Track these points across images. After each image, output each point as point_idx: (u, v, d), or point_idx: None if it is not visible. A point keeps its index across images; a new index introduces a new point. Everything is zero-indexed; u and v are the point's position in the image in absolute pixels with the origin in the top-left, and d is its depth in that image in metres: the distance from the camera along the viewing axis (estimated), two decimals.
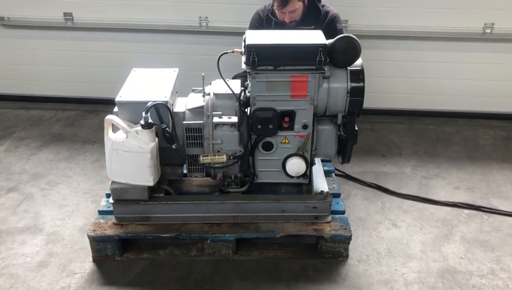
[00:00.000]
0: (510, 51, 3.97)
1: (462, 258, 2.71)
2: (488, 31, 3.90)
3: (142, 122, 2.40)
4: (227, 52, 2.57)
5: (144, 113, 2.40)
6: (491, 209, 3.09)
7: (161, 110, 2.49)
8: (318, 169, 2.89)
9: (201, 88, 2.68)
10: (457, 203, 3.14)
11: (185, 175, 2.80)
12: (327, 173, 3.02)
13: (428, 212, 3.09)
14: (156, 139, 2.50)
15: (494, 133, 4.04)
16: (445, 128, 4.13)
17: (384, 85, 4.13)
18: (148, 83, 2.71)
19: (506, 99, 4.17)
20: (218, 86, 2.66)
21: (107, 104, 2.83)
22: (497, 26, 3.89)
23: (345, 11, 3.89)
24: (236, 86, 2.63)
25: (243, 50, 2.52)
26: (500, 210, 3.08)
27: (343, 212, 2.77)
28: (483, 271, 2.62)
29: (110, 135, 2.44)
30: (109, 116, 2.43)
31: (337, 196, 2.87)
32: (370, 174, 3.46)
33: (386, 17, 3.92)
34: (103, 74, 4.27)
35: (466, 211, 3.09)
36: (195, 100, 2.69)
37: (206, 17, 4.03)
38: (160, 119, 2.50)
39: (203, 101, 2.63)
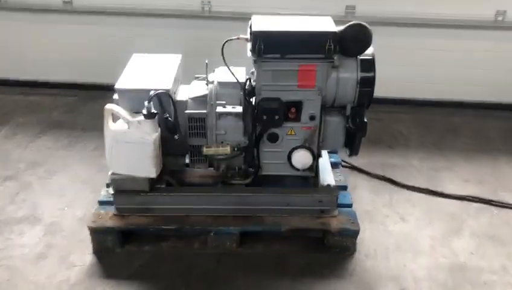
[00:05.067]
0: None
1: (472, 253, 2.64)
2: (500, 18, 3.78)
3: (144, 112, 2.31)
4: (232, 39, 2.46)
5: (146, 103, 2.30)
6: (501, 203, 3.01)
7: (163, 99, 2.40)
8: (325, 161, 2.80)
9: (205, 76, 2.58)
10: (467, 196, 3.06)
11: (187, 165, 2.71)
12: (334, 165, 2.93)
13: (437, 205, 3.01)
14: (159, 129, 2.41)
15: (503, 125, 3.94)
16: (453, 118, 4.03)
17: (391, 73, 3.98)
18: (150, 70, 2.61)
19: None
20: (222, 74, 2.56)
21: (107, 90, 2.73)
22: (510, 14, 3.76)
23: None
24: (241, 74, 2.54)
25: (248, 37, 2.42)
26: (510, 204, 3.00)
27: (350, 206, 2.69)
28: (494, 267, 2.55)
29: (110, 125, 2.34)
30: (109, 105, 2.34)
31: (344, 188, 2.79)
32: (377, 165, 3.37)
33: (395, 3, 3.79)
34: (103, 59, 4.14)
35: (475, 204, 3.02)
36: (198, 88, 2.59)
37: (209, 1, 3.91)
38: (162, 109, 2.41)
39: (207, 89, 2.53)
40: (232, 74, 2.47)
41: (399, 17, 3.82)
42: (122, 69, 2.61)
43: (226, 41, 2.44)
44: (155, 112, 2.34)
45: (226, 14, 3.87)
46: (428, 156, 3.51)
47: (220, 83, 2.52)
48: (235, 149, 2.51)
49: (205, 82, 2.57)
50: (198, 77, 2.70)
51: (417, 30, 3.89)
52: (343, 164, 3.13)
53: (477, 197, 3.05)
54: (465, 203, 3.03)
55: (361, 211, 2.90)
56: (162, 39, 4.00)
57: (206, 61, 2.52)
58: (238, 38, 2.46)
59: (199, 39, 3.95)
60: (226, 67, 2.48)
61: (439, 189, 3.14)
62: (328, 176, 2.72)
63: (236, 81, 2.47)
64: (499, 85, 4.02)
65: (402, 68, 4.03)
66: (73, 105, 4.16)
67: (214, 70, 2.62)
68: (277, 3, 3.76)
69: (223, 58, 2.46)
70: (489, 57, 3.94)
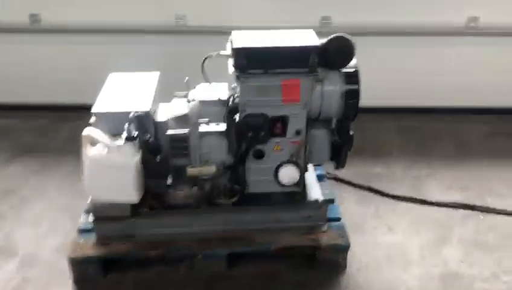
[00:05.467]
0: (495, 44, 3.91)
1: (462, 262, 2.62)
2: (472, 24, 3.84)
3: (124, 135, 2.21)
4: (212, 55, 2.41)
5: (126, 125, 2.21)
6: (486, 208, 3.01)
7: (143, 120, 2.30)
8: (311, 175, 2.75)
9: (185, 93, 2.51)
10: (452, 203, 3.06)
11: (170, 186, 2.61)
12: (319, 178, 2.88)
13: (424, 214, 3.00)
14: (140, 152, 2.31)
15: (480, 129, 3.97)
16: (433, 125, 4.05)
17: (369, 82, 3.98)
18: (128, 90, 2.52)
19: (491, 94, 4.11)
20: (203, 91, 2.49)
21: (81, 110, 2.62)
22: (482, 20, 3.82)
23: (328, 7, 3.79)
24: (223, 90, 2.48)
25: (229, 53, 2.36)
26: (495, 209, 3.00)
27: (339, 219, 2.64)
28: (485, 275, 2.54)
29: (89, 151, 2.23)
30: (87, 132, 2.22)
31: (331, 201, 2.73)
32: (361, 176, 3.34)
33: (369, 14, 3.80)
34: (74, 79, 4.00)
35: (461, 211, 3.01)
36: (178, 107, 2.51)
37: (184, 16, 3.84)
38: (142, 130, 2.31)
39: (188, 108, 2.45)
40: (214, 91, 2.41)
41: (374, 27, 3.83)
42: (95, 89, 2.51)
43: (206, 57, 2.38)
44: (136, 134, 2.24)
45: (201, 29, 3.80)
46: (411, 164, 3.51)
47: (201, 101, 2.44)
48: (220, 168, 2.43)
49: (186, 100, 2.49)
50: (178, 95, 2.63)
51: (393, 39, 3.90)
52: (327, 175, 3.09)
53: (462, 204, 3.05)
54: (450, 210, 3.02)
55: (349, 223, 2.82)
56: (137, 57, 3.86)
57: (186, 79, 2.45)
58: (218, 55, 2.39)
59: (176, 55, 3.85)
60: (207, 83, 2.42)
61: (424, 197, 3.13)
62: (315, 190, 2.67)
63: (218, 98, 2.40)
64: (476, 90, 4.06)
65: (379, 77, 4.01)
66: (45, 128, 3.99)
67: (194, 87, 2.55)
68: (252, 17, 3.71)
69: (204, 74, 2.40)
70: (463, 63, 3.98)
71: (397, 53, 3.97)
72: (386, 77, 4.04)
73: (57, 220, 2.91)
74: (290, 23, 3.72)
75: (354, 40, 3.76)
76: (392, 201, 3.12)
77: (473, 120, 4.08)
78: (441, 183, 3.30)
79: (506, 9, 3.79)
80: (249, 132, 2.33)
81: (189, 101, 2.46)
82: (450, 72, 4.03)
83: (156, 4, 3.82)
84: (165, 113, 2.51)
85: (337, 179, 3.25)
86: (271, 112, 2.32)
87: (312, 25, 3.69)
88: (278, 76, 2.24)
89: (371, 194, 3.19)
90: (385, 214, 3.00)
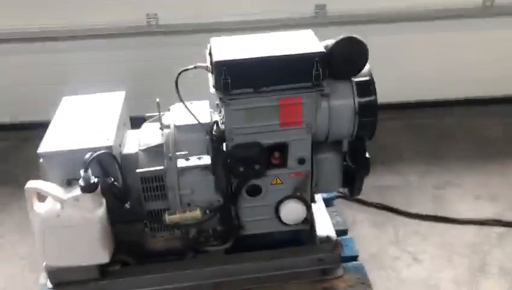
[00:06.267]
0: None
1: None
2: (489, 3, 3.35)
3: (81, 183, 1.71)
4: (187, 69, 1.89)
5: (82, 172, 1.71)
6: None
7: (105, 160, 1.80)
8: (318, 204, 2.27)
9: (157, 116, 2.01)
10: (485, 220, 2.61)
11: (145, 227, 2.11)
12: (326, 202, 2.42)
13: (452, 235, 2.56)
14: (103, 201, 1.81)
15: (500, 122, 3.52)
16: (445, 120, 3.59)
17: None
18: (84, 119, 2.01)
19: (507, 81, 3.65)
20: (179, 114, 1.98)
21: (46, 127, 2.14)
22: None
23: None
24: (204, 110, 1.98)
25: (208, 65, 1.86)
26: None
27: (355, 258, 2.18)
28: None
29: (36, 208, 1.73)
30: (31, 184, 1.71)
31: (344, 233, 2.28)
32: (372, 190, 2.86)
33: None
34: (36, 93, 3.49)
35: (496, 229, 2.57)
36: (150, 135, 2.02)
37: (155, 14, 3.31)
38: (104, 173, 1.82)
39: (162, 136, 1.96)
40: (191, 113, 1.91)
41: (377, 13, 3.34)
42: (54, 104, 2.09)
43: (181, 72, 1.87)
44: (95, 180, 1.74)
45: (176, 28, 3.27)
46: (427, 170, 3.06)
47: (178, 127, 1.95)
48: (207, 211, 1.95)
49: (159, 126, 2.00)
50: (150, 117, 2.13)
51: (397, 25, 3.43)
52: (336, 194, 2.62)
53: (497, 220, 2.61)
54: (484, 228, 2.58)
55: (366, 255, 2.39)
56: (103, 63, 3.37)
57: (158, 100, 1.95)
58: (195, 68, 1.89)
59: (148, 59, 3.35)
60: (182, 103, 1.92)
61: (449, 212, 2.68)
62: (325, 224, 2.20)
63: (198, 122, 1.90)
64: (490, 78, 3.59)
65: (382, 69, 3.52)
66: (5, 151, 3.48)
67: (169, 109, 2.06)
68: (236, 10, 3.20)
69: (178, 93, 1.89)
70: (478, 48, 3.52)
71: (399, 41, 3.48)
72: (388, 69, 3.55)
73: (16, 273, 2.44)
74: (279, 14, 3.27)
75: (352, 29, 3.20)
76: (412, 221, 2.68)
77: (489, 112, 3.63)
78: (466, 192, 2.86)
79: None
80: (240, 166, 1.84)
81: (162, 128, 1.98)
82: (461, 59, 3.56)
83: (123, 2, 3.28)
84: (133, 142, 2.02)
85: (347, 198, 2.77)
86: (266, 140, 1.83)
87: (305, 15, 3.28)
88: (273, 94, 1.74)
89: (387, 213, 2.74)
90: (406, 238, 2.55)
